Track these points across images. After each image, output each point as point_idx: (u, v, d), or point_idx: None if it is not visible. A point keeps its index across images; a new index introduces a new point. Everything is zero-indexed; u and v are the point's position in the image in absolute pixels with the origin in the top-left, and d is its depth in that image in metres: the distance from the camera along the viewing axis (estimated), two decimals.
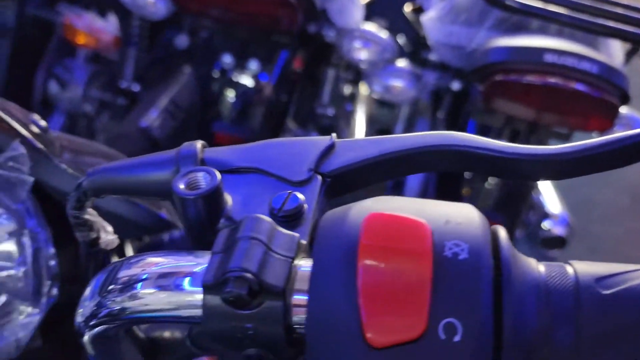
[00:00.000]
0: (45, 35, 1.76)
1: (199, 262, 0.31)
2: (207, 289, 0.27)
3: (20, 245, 0.50)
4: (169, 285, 0.31)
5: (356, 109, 2.24)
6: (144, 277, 0.32)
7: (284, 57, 1.65)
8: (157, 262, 0.33)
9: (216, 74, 1.70)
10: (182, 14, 1.61)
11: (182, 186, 0.32)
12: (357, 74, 1.99)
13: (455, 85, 1.65)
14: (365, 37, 1.61)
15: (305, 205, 0.33)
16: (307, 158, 0.36)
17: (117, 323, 0.34)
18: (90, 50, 1.76)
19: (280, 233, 0.29)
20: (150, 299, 0.32)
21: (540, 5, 1.26)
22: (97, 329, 0.36)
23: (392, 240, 0.26)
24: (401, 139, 0.37)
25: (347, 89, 2.18)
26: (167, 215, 0.56)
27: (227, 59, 1.59)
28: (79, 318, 0.36)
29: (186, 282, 0.30)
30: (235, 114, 1.73)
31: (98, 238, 0.46)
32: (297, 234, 0.30)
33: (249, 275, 0.26)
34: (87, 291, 0.35)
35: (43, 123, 0.57)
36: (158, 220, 0.55)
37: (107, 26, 1.64)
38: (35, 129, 0.54)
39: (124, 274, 0.33)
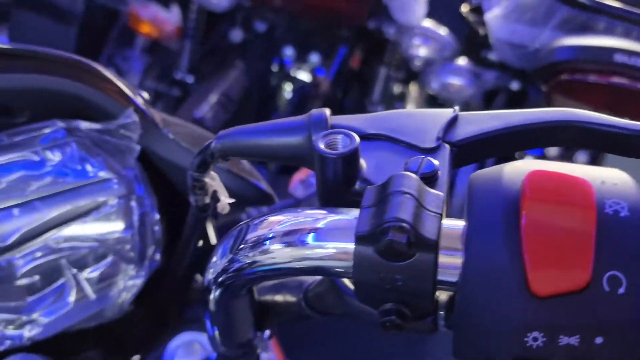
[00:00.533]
0: (109, 24, 1.81)
1: (338, 217, 0.32)
2: (361, 239, 0.28)
3: (128, 209, 0.52)
4: (300, 239, 0.32)
5: (406, 107, 2.24)
6: (277, 233, 0.33)
7: (343, 53, 1.67)
8: (286, 220, 0.34)
9: (275, 67, 1.72)
10: (239, 8, 1.64)
11: (322, 146, 0.33)
12: (408, 74, 1.99)
13: (514, 85, 1.63)
14: (426, 34, 1.60)
15: (439, 171, 0.34)
16: (433, 127, 0.37)
17: (250, 277, 0.36)
18: (152, 40, 1.80)
19: (427, 191, 0.30)
20: (279, 253, 0.33)
21: (611, 3, 1.24)
22: (225, 285, 0.37)
23: (555, 195, 0.26)
24: (524, 114, 0.38)
25: (397, 88, 2.18)
26: (266, 187, 0.57)
27: (289, 52, 1.61)
28: (210, 275, 0.37)
29: (329, 234, 0.31)
30: (291, 107, 1.75)
31: (209, 204, 0.47)
32: (441, 193, 0.30)
33: (406, 225, 0.27)
34: (218, 250, 0.37)
35: (146, 95, 0.59)
36: (258, 192, 0.56)
37: (170, 17, 1.68)
38: (141, 100, 0.56)
39: (259, 231, 0.34)
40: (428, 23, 1.66)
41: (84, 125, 0.52)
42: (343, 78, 1.74)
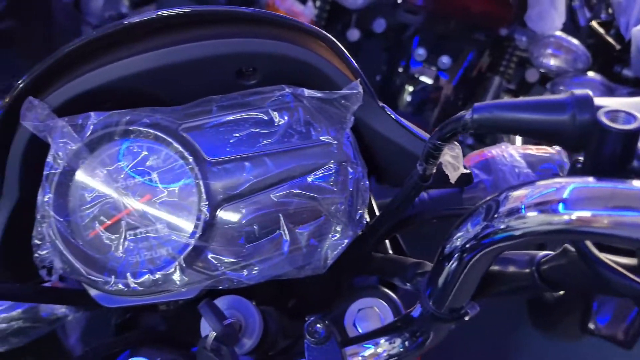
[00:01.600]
0: None
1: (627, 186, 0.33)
2: None
3: (345, 174, 0.56)
4: (581, 205, 0.34)
5: None
6: (554, 198, 0.35)
7: (471, 58, 1.67)
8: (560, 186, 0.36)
9: (400, 68, 1.75)
10: (378, 5, 1.67)
11: (607, 121, 0.35)
12: (521, 86, 1.96)
13: None
14: (560, 44, 1.58)
15: None
16: None
17: (503, 242, 0.38)
18: None
19: None
20: (543, 218, 0.35)
21: None
22: (472, 250, 0.40)
23: None
24: None
25: (507, 99, 2.14)
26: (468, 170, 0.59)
27: (421, 52, 1.63)
28: (457, 242, 0.40)
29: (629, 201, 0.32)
30: (411, 108, 1.77)
31: (432, 174, 0.50)
32: None
33: None
34: (469, 219, 0.40)
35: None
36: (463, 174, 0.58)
37: (305, 10, 1.74)
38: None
39: (532, 198, 0.36)
40: (561, 33, 1.63)
41: (308, 92, 0.56)
42: (466, 83, 1.74)
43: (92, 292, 0.56)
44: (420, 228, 0.69)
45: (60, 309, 0.79)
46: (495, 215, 0.38)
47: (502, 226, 0.38)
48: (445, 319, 0.48)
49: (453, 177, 0.48)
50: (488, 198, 0.40)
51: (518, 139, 1.25)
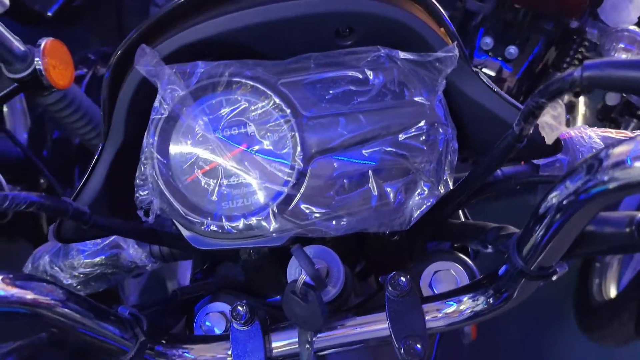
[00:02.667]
0: None
1: None
2: None
3: (435, 134, 0.57)
4: None
5: (574, 119, 2.15)
6: None
7: (538, 50, 1.64)
8: None
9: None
10: None
11: None
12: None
13: None
14: (634, 39, 1.54)
15: None
16: None
17: (605, 195, 0.39)
18: None
19: None
20: None
21: None
22: (572, 205, 0.41)
23: None
24: None
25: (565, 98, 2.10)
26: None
27: (488, 41, 1.62)
28: (554, 200, 0.41)
29: None
30: None
31: (527, 134, 0.51)
32: None
33: None
34: (570, 176, 0.40)
35: None
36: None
37: None
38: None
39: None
40: (635, 27, 1.59)
41: (403, 54, 0.58)
42: (530, 77, 1.71)
43: (186, 233, 0.59)
44: (498, 197, 0.70)
45: (141, 259, 0.84)
46: (599, 169, 0.39)
47: (606, 178, 0.38)
48: (534, 276, 0.49)
49: (551, 137, 0.49)
50: (587, 157, 0.40)
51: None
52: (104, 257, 0.83)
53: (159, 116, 0.57)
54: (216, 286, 0.67)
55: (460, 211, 0.75)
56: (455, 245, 0.72)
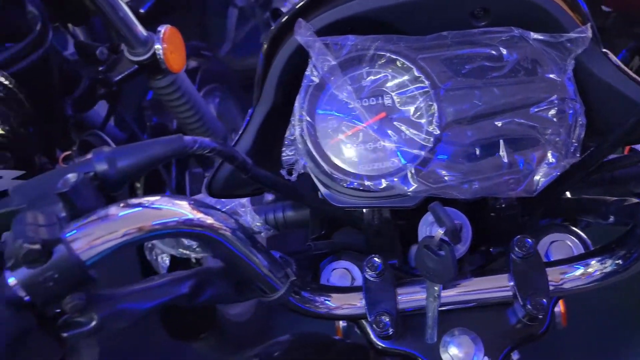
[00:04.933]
0: None
1: None
2: None
3: (564, 108, 0.62)
4: None
5: None
6: None
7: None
8: None
9: None
10: None
11: None
12: None
13: None
14: None
15: None
16: None
17: None
18: None
19: None
20: None
21: None
22: None
23: None
24: None
25: None
26: None
27: None
28: None
29: None
30: None
31: None
32: None
33: None
34: None
35: None
36: None
37: None
38: None
39: None
40: None
41: (534, 35, 0.63)
42: None
43: (323, 190, 0.65)
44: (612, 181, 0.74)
45: (257, 225, 0.91)
46: None
47: None
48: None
49: None
50: None
51: None
52: None
53: (310, 83, 0.64)
54: (340, 247, 0.73)
55: None
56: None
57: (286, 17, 0.64)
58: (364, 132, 0.64)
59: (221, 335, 1.76)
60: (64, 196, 0.45)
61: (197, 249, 0.91)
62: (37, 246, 0.40)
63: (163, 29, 1.21)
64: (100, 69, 1.21)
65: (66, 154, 1.16)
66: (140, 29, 1.18)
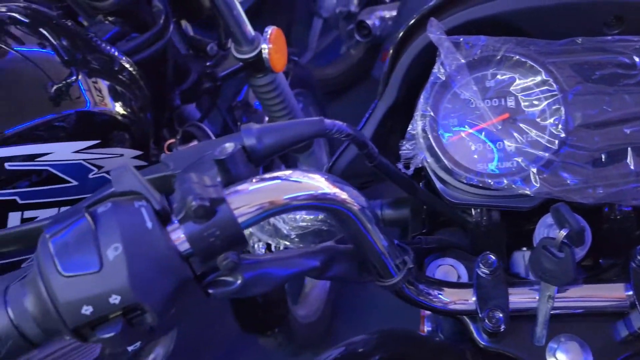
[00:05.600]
0: None
1: None
2: None
3: None
4: None
5: None
6: None
7: None
8: None
9: None
10: None
11: None
12: None
13: None
14: None
15: None
16: None
17: None
18: None
19: None
20: None
21: None
22: None
23: None
24: None
25: None
26: None
27: None
28: None
29: None
30: None
31: None
32: None
33: None
34: None
35: None
36: None
37: None
38: None
39: None
40: None
41: None
42: None
43: (439, 185, 0.67)
44: None
45: None
46: None
47: None
48: None
49: None
50: None
51: None
52: (323, 214, 0.93)
53: (437, 80, 0.66)
54: (448, 244, 0.74)
55: None
56: None
57: (418, 16, 0.67)
58: (486, 131, 0.65)
59: (289, 334, 1.79)
60: (221, 163, 0.49)
61: (295, 239, 0.94)
62: (206, 202, 0.43)
63: (270, 29, 1.27)
64: (208, 64, 1.28)
65: (170, 142, 1.23)
66: (249, 29, 1.24)
